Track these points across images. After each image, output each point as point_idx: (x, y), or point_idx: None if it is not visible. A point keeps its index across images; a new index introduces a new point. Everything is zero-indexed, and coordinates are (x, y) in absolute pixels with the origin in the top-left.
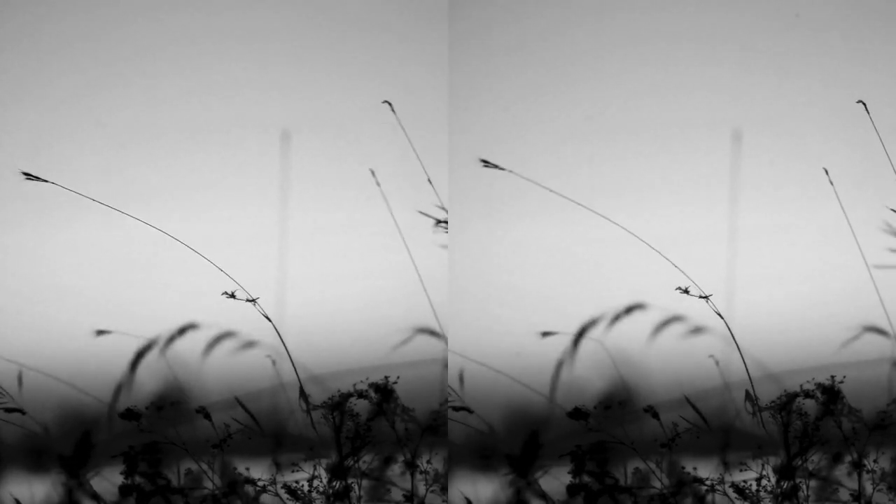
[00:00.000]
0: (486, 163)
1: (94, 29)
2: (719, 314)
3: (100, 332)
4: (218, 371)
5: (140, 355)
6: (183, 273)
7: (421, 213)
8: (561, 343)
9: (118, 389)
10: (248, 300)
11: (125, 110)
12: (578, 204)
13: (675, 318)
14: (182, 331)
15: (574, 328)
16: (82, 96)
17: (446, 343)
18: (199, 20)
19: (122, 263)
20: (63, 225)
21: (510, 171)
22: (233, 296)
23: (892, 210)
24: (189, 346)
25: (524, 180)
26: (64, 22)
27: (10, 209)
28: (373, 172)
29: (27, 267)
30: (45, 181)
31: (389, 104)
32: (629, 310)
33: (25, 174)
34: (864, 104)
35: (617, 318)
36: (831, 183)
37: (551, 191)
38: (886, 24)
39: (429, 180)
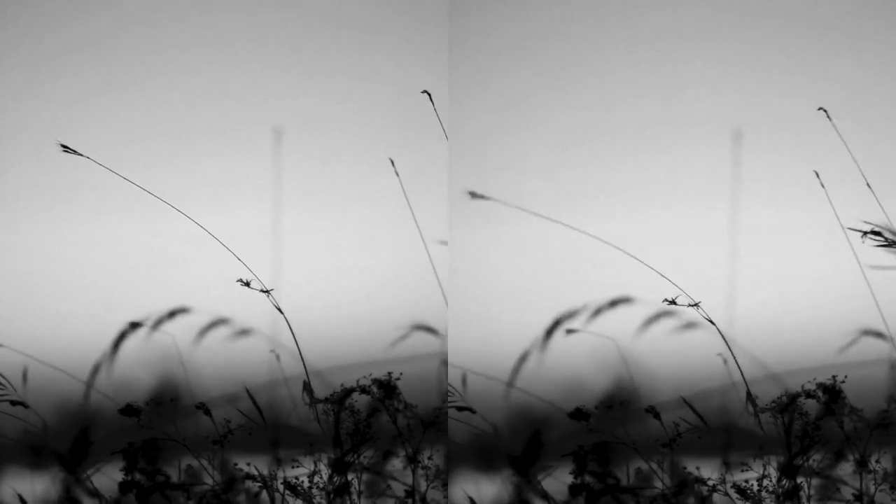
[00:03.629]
0: (473, 194)
1: (104, 28)
2: (709, 319)
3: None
4: (219, 365)
5: (123, 336)
6: (193, 261)
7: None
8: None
9: (96, 367)
10: (262, 290)
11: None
12: (560, 222)
13: (665, 314)
14: (172, 314)
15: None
16: (85, 95)
17: (446, 340)
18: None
19: (137, 254)
20: (86, 217)
21: (496, 200)
22: (248, 284)
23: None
24: (191, 339)
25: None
26: (71, 25)
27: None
28: (392, 162)
29: (39, 261)
30: (81, 155)
31: (428, 94)
32: (614, 303)
33: (63, 146)
34: (825, 111)
35: (599, 310)
36: (822, 186)
37: (539, 215)
38: (888, 24)
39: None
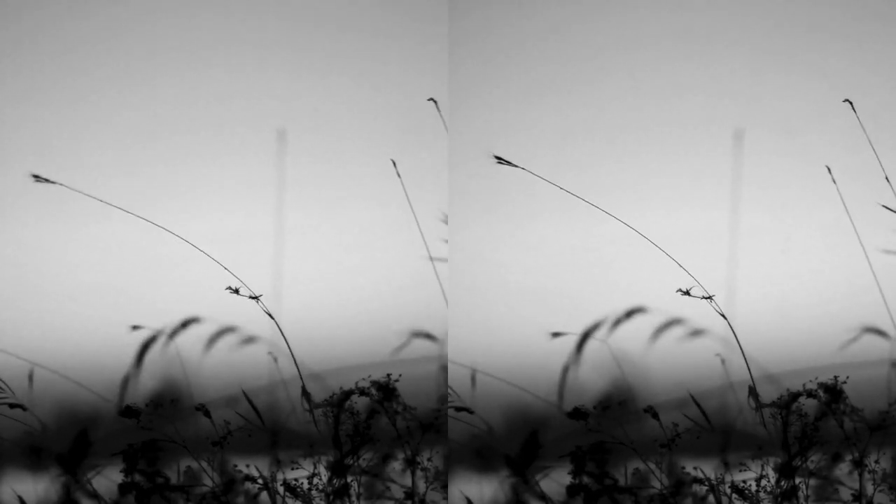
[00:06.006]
0: (499, 159)
1: (107, 29)
2: (722, 314)
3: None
4: (218, 367)
5: (146, 346)
6: (187, 270)
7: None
8: (567, 344)
9: (125, 381)
10: (251, 297)
11: (132, 111)
12: (582, 199)
13: (676, 321)
14: (185, 324)
15: (578, 328)
16: (88, 99)
17: (446, 343)
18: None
19: (130, 262)
20: (73, 225)
21: (523, 169)
22: (237, 292)
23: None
24: (191, 340)
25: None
26: (70, 26)
27: (21, 209)
28: (394, 163)
29: (39, 265)
30: (54, 182)
31: (434, 101)
32: (630, 314)
33: (34, 176)
34: (851, 103)
35: (618, 321)
36: (834, 181)
37: (563, 189)
38: (885, 24)
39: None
